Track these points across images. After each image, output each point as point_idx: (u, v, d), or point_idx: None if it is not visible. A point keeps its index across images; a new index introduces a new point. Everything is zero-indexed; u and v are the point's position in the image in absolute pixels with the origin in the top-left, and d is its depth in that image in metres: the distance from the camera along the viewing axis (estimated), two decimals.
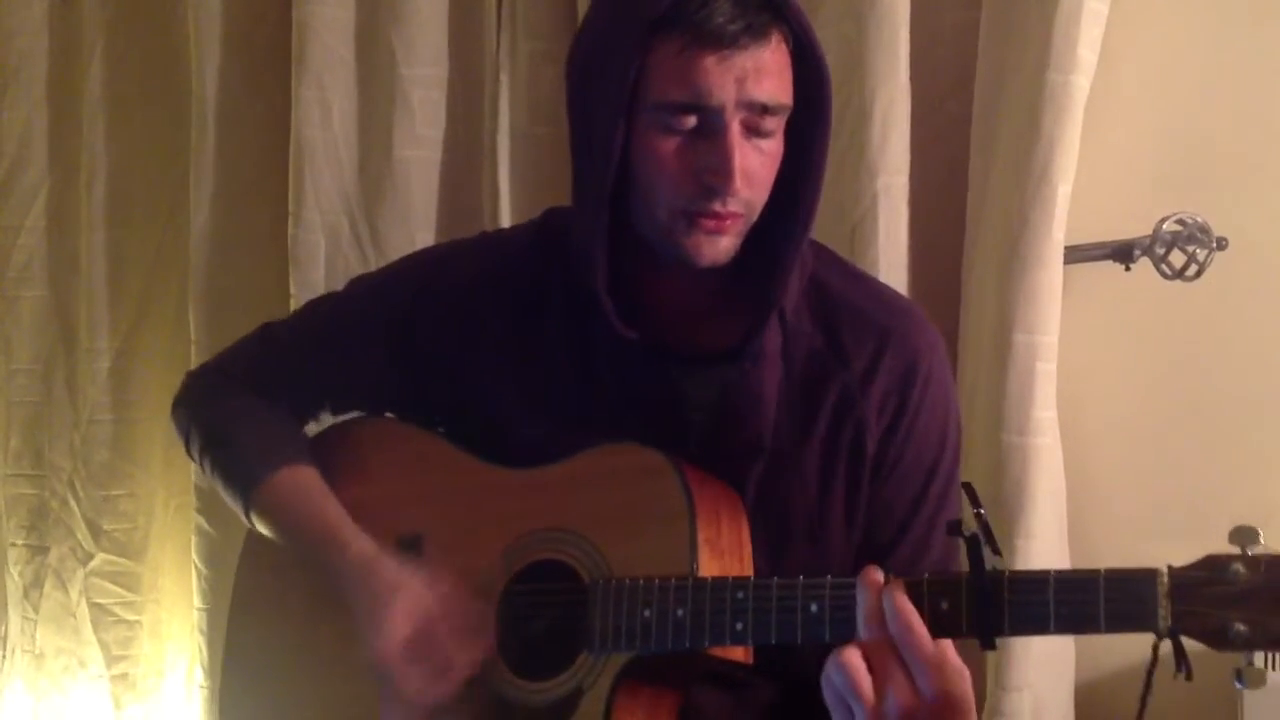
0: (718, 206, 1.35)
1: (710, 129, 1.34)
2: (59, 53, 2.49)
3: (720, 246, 1.38)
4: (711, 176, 1.34)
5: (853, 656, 1.21)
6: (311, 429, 1.67)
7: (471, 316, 1.53)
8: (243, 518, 1.58)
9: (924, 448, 1.48)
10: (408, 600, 1.43)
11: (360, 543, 1.49)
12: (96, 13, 2.42)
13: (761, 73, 1.33)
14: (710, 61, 1.31)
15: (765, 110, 1.34)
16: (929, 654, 1.20)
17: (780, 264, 1.42)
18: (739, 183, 1.34)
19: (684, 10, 1.31)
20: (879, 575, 1.25)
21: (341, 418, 1.66)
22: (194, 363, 2.29)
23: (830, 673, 1.22)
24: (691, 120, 1.34)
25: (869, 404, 1.46)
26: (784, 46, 1.35)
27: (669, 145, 1.35)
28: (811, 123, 1.39)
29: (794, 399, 1.46)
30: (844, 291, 1.50)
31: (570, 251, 1.46)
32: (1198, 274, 1.92)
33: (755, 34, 1.32)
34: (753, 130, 1.35)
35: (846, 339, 1.47)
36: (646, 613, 1.35)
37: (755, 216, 1.39)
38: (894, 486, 1.47)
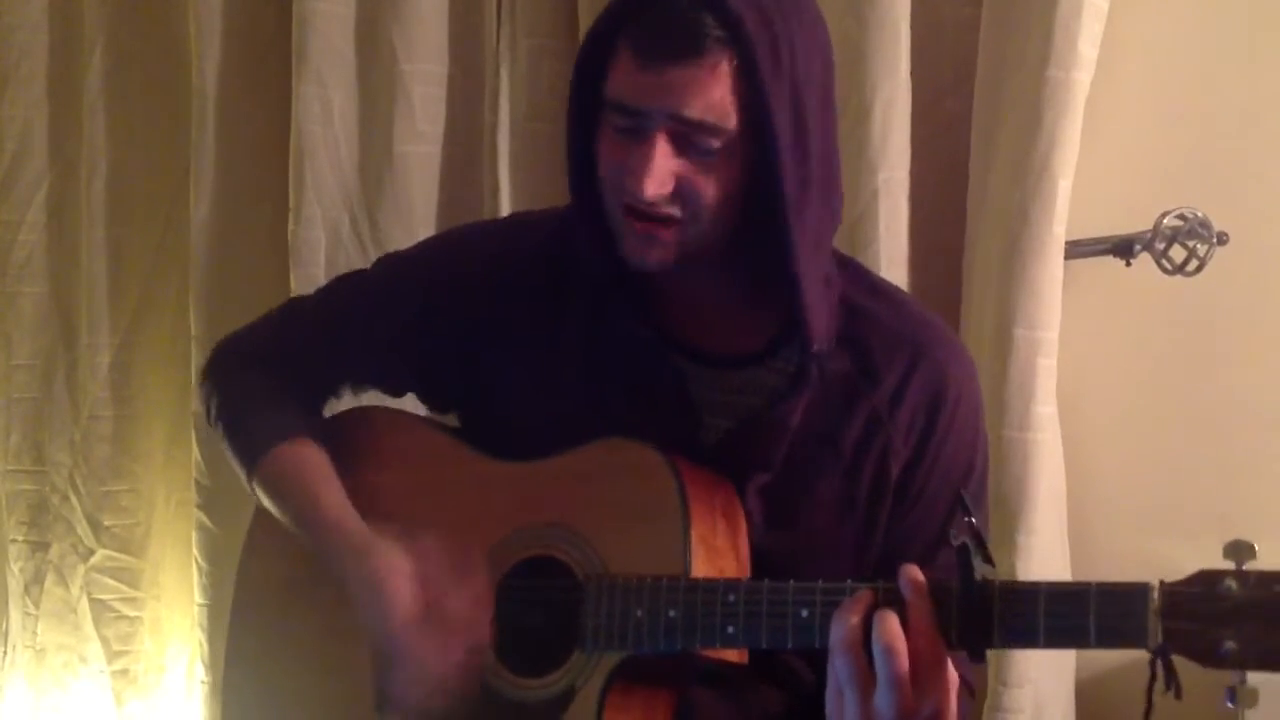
0: (643, 208, 1.36)
1: (638, 133, 1.35)
2: (59, 48, 2.49)
3: (654, 252, 1.38)
4: (627, 177, 1.35)
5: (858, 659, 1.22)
6: (331, 406, 1.67)
7: (498, 301, 1.53)
8: (245, 485, 1.59)
9: (952, 471, 1.47)
10: (406, 575, 1.43)
11: (353, 523, 1.49)
12: (97, 8, 2.42)
13: (690, 89, 1.32)
14: (646, 68, 1.33)
15: (693, 126, 1.33)
16: (947, 680, 1.22)
17: (793, 284, 1.39)
18: (650, 189, 1.34)
19: (640, 19, 1.33)
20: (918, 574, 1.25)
21: (360, 397, 1.67)
22: (194, 359, 2.30)
23: (836, 659, 1.23)
24: (624, 121, 1.36)
25: (896, 426, 1.45)
26: (726, 67, 1.32)
27: (613, 142, 1.38)
28: (766, 151, 1.35)
29: (819, 417, 1.44)
30: (874, 309, 1.49)
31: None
32: (1198, 269, 1.92)
33: (691, 51, 1.31)
34: (688, 144, 1.34)
35: (877, 358, 1.46)
36: (639, 613, 1.36)
37: (705, 229, 1.38)
38: (921, 511, 1.46)
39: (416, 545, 1.45)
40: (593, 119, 1.40)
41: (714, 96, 1.33)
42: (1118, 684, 1.98)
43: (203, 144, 2.32)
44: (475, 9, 2.23)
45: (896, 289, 1.60)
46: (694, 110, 1.32)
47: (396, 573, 1.43)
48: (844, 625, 1.24)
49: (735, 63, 1.32)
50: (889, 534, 1.46)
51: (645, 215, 1.37)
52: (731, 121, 1.34)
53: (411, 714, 1.42)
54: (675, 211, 1.37)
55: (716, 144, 1.34)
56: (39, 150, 2.50)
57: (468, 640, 1.41)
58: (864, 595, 1.26)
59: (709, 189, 1.36)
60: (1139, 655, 1.91)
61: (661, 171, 1.34)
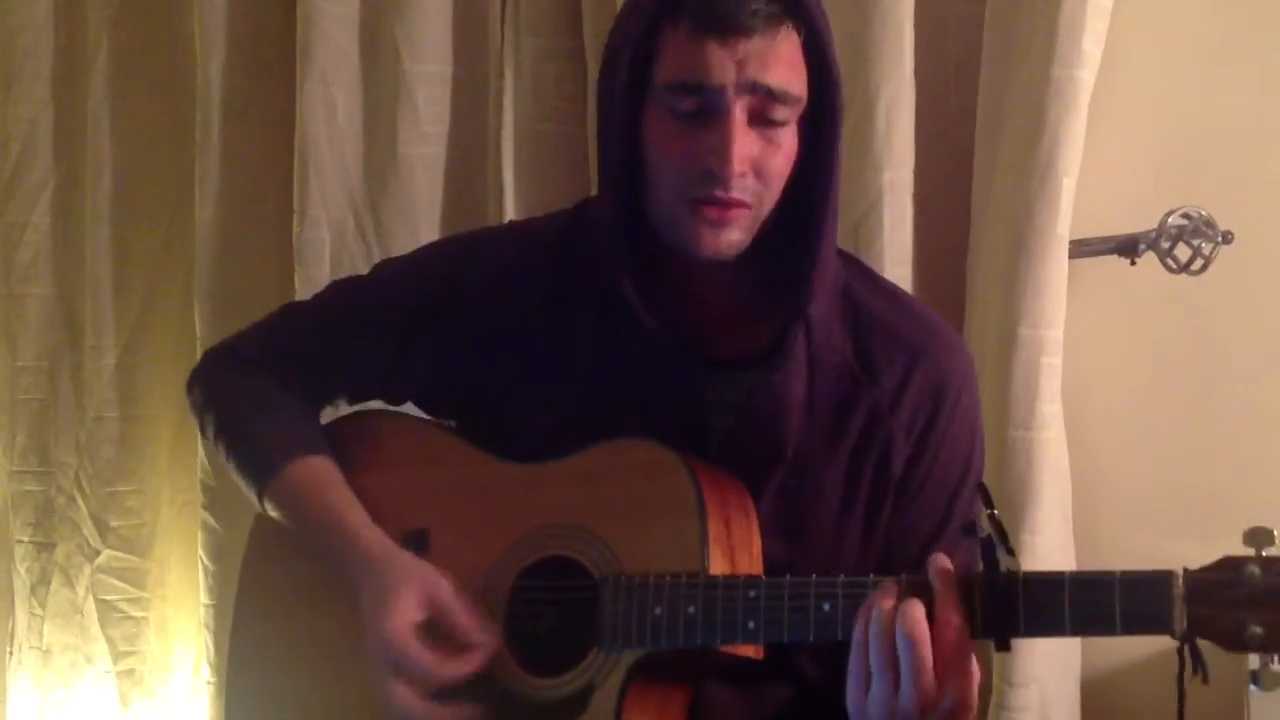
0: (719, 193, 1.33)
1: (713, 112, 1.33)
2: (64, 50, 2.49)
3: (724, 238, 1.36)
4: (711, 159, 1.33)
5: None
6: (328, 414, 1.66)
7: (500, 307, 1.52)
8: (256, 504, 1.58)
9: (950, 469, 1.47)
10: (420, 586, 1.42)
11: (372, 535, 1.49)
12: (101, 9, 2.42)
13: (767, 59, 1.32)
14: (713, 44, 1.31)
15: (772, 96, 1.33)
16: (970, 671, 1.23)
17: (806, 269, 1.40)
18: (738, 167, 1.32)
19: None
20: (946, 561, 1.26)
21: (356, 406, 1.66)
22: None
23: (870, 647, 1.24)
24: (693, 102, 1.33)
25: (898, 422, 1.45)
26: (795, 39, 1.34)
27: (673, 128, 1.35)
28: (824, 122, 1.37)
29: (822, 411, 1.45)
30: (876, 306, 1.49)
31: (596, 244, 1.46)
32: (1203, 268, 1.92)
33: (763, 21, 1.31)
34: (761, 119, 1.34)
35: (878, 355, 1.46)
36: (658, 610, 1.35)
37: (766, 211, 1.38)
38: (919, 508, 1.47)
39: (432, 564, 1.45)
40: (638, 110, 1.37)
41: (790, 66, 1.33)
42: (1123, 683, 1.98)
43: (207, 145, 2.32)
44: (479, 9, 2.23)
45: (897, 287, 1.60)
46: (774, 78, 1.32)
47: (411, 581, 1.43)
48: (877, 612, 1.24)
49: (802, 35, 1.34)
50: (887, 532, 1.46)
51: (720, 200, 1.34)
52: (804, 92, 1.35)
53: None
54: (748, 195, 1.35)
55: (790, 116, 1.35)
56: (44, 151, 2.51)
57: (480, 654, 1.41)
58: (891, 585, 1.26)
59: (778, 167, 1.36)
60: (1145, 654, 1.92)
61: (744, 148, 1.33)
